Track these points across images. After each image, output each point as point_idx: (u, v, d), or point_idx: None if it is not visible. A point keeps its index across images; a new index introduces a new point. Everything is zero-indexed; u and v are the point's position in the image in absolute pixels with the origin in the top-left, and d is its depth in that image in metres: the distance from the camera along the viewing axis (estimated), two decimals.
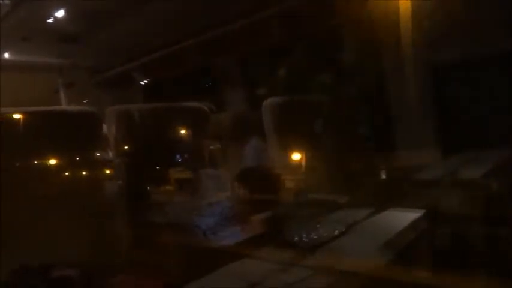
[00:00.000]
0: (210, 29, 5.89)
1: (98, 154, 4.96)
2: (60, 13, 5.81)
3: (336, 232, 3.58)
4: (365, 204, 4.18)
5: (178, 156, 5.74)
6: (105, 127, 5.15)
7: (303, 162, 4.49)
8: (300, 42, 5.86)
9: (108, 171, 5.20)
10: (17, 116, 4.50)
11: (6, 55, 6.89)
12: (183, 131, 5.60)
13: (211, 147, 5.78)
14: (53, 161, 4.66)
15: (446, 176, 4.09)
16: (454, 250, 3.23)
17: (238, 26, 5.62)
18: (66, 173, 4.65)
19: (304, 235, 3.55)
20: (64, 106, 6.80)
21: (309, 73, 5.76)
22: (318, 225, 3.70)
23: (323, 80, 5.67)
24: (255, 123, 5.45)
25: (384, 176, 4.70)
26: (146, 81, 7.40)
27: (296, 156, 4.73)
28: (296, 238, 3.53)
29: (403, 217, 3.79)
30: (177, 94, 6.89)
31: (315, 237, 3.54)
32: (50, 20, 5.93)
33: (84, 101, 6.85)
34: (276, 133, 5.29)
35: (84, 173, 4.85)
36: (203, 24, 5.88)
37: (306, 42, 5.81)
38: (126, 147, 5.24)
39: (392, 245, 3.30)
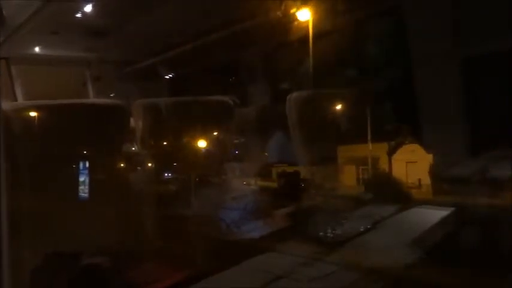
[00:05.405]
0: (235, 23, 5.90)
1: (126, 146, 5.06)
2: (88, 8, 5.91)
3: (362, 228, 3.56)
4: (392, 201, 4.12)
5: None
6: (132, 120, 5.23)
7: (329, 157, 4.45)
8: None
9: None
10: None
11: (36, 49, 7.09)
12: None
13: (236, 140, 5.80)
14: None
15: (476, 174, 3.98)
16: (482, 250, 3.17)
17: (262, 20, 5.61)
18: (94, 165, 4.75)
19: (329, 230, 3.54)
20: (93, 99, 6.95)
21: (333, 67, 5.69)
22: (343, 221, 3.69)
23: (347, 74, 5.60)
24: (279, 117, 5.42)
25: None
26: (171, 75, 7.49)
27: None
28: (321, 233, 3.53)
29: (430, 215, 3.73)
30: (201, 87, 6.91)
31: (339, 233, 3.53)
32: (79, 15, 6.05)
33: (111, 95, 6.97)
34: (300, 127, 5.24)
35: (111, 165, 4.94)
36: (228, 19, 5.89)
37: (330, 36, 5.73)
38: (152, 140, 5.31)
39: (419, 242, 3.25)
